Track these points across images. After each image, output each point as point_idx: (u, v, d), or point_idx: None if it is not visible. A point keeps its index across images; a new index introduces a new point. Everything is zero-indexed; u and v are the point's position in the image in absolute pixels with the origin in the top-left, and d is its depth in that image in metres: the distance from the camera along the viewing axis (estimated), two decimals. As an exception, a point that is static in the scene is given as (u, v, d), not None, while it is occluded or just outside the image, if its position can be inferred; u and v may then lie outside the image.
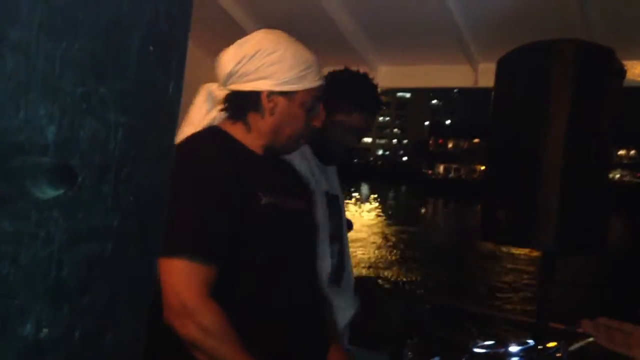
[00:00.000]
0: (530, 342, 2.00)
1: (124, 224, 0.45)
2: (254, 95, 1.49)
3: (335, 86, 2.03)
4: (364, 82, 2.10)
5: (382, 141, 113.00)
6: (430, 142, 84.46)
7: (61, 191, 0.39)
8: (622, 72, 1.96)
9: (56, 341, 0.40)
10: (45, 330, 0.39)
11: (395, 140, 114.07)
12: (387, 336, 2.77)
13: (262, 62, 1.46)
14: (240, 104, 1.52)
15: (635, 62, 2.28)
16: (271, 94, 1.49)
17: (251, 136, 1.53)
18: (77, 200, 0.40)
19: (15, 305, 0.37)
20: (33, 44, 0.37)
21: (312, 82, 1.53)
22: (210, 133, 1.51)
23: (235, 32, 2.61)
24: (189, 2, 0.55)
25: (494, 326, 1.99)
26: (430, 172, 78.06)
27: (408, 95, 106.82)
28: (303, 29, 2.67)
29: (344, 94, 2.04)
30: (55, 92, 0.39)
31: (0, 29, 0.36)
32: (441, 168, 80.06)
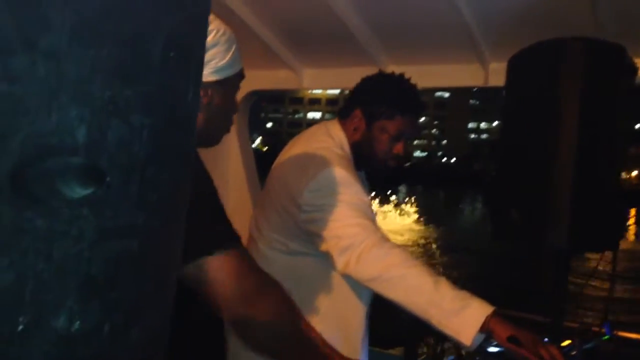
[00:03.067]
0: (545, 340, 2.01)
1: (149, 221, 0.47)
2: None
3: (372, 92, 2.02)
4: (403, 84, 2.04)
5: (420, 142, 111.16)
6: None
7: (90, 190, 0.41)
8: (634, 70, 1.96)
9: (87, 334, 0.42)
10: (77, 323, 0.41)
11: (434, 142, 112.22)
12: (401, 336, 2.78)
13: None
14: None
15: (646, 59, 2.27)
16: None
17: None
18: (105, 199, 0.42)
19: (49, 300, 0.39)
20: (63, 51, 0.39)
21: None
22: None
23: (246, 35, 2.65)
24: (207, 11, 0.57)
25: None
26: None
27: (447, 95, 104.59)
28: (314, 31, 2.71)
29: (383, 99, 1.99)
30: (84, 96, 0.41)
31: (32, 37, 0.38)
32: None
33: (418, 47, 2.62)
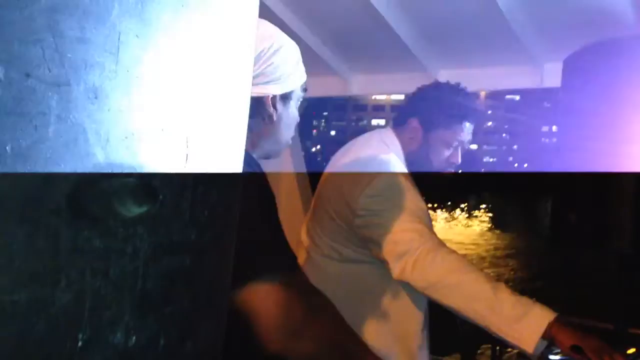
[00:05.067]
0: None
1: (201, 238, 0.48)
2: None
3: (429, 101, 2.00)
4: (459, 93, 2.02)
5: (490, 147, 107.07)
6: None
7: (145, 209, 0.42)
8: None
9: (143, 348, 0.43)
10: (133, 338, 0.42)
11: (504, 147, 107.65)
12: (457, 342, 2.73)
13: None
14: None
15: None
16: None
17: None
18: (158, 217, 0.44)
19: (107, 316, 0.41)
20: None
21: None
22: None
23: (299, 47, 2.66)
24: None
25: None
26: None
27: (517, 97, 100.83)
28: (361, 36, 2.70)
29: (440, 108, 1.97)
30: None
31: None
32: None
33: (468, 50, 2.58)
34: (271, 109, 1.34)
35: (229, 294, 0.53)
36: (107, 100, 0.41)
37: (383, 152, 1.93)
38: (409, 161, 1.96)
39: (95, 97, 0.40)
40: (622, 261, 1.95)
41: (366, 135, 2.11)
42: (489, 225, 22.83)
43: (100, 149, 0.40)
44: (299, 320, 1.20)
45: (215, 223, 0.51)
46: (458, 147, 1.99)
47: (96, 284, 0.40)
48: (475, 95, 2.03)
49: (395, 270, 1.70)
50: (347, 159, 1.97)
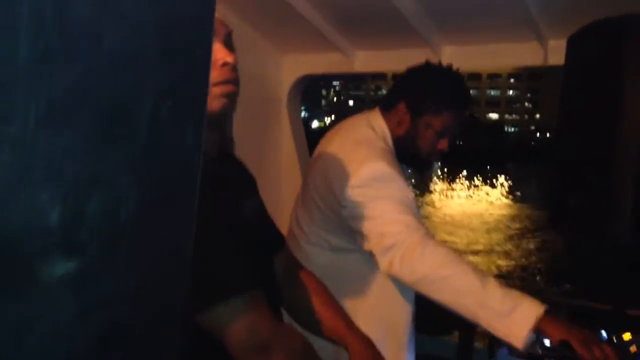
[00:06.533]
0: (603, 334, 1.92)
1: (141, 286, 0.46)
2: None
3: (418, 85, 1.92)
4: (450, 77, 1.94)
5: (512, 117, 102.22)
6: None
7: (70, 268, 0.40)
8: None
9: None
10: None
11: (526, 116, 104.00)
12: (455, 320, 2.73)
13: None
14: None
15: None
16: None
17: None
18: (86, 273, 0.42)
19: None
20: (30, 135, 0.38)
21: None
22: None
23: (296, 19, 2.62)
24: (207, 54, 0.54)
25: (559, 312, 1.92)
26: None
27: None
28: (364, 12, 2.64)
29: (429, 93, 1.90)
30: (58, 175, 0.40)
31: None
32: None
33: (472, 26, 2.50)
34: None
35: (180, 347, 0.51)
36: None
37: (369, 138, 1.87)
38: (396, 146, 1.91)
39: None
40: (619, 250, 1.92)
41: (354, 119, 2.04)
42: (511, 196, 22.67)
43: None
44: (269, 334, 1.20)
45: (163, 264, 0.49)
46: (446, 135, 1.93)
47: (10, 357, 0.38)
48: (468, 77, 1.93)
49: (383, 264, 1.68)
50: (333, 147, 1.91)
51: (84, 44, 0.42)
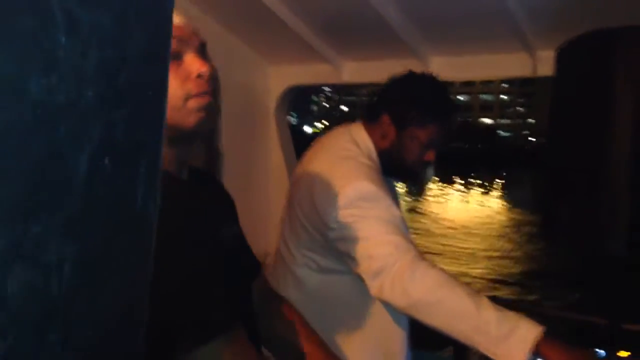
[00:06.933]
0: (601, 352, 1.87)
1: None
2: None
3: (401, 97, 1.85)
4: (434, 87, 1.88)
5: (505, 121, 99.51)
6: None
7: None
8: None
9: None
10: None
11: (519, 121, 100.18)
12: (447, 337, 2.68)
13: None
14: None
15: None
16: None
17: None
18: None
19: None
20: None
21: None
22: None
23: (283, 30, 2.57)
24: (162, 94, 0.49)
25: (555, 328, 1.87)
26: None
27: None
28: (351, 23, 2.60)
29: (413, 104, 1.83)
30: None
31: None
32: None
33: (460, 37, 2.47)
34: None
35: None
36: None
37: (353, 155, 1.79)
38: (381, 160, 1.84)
39: None
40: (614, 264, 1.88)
41: (335, 132, 1.96)
42: (505, 203, 22.70)
43: None
44: None
45: (105, 345, 0.43)
46: (432, 146, 1.87)
47: None
48: (454, 86, 1.87)
49: (373, 288, 1.62)
50: (315, 165, 1.83)
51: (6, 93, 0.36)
